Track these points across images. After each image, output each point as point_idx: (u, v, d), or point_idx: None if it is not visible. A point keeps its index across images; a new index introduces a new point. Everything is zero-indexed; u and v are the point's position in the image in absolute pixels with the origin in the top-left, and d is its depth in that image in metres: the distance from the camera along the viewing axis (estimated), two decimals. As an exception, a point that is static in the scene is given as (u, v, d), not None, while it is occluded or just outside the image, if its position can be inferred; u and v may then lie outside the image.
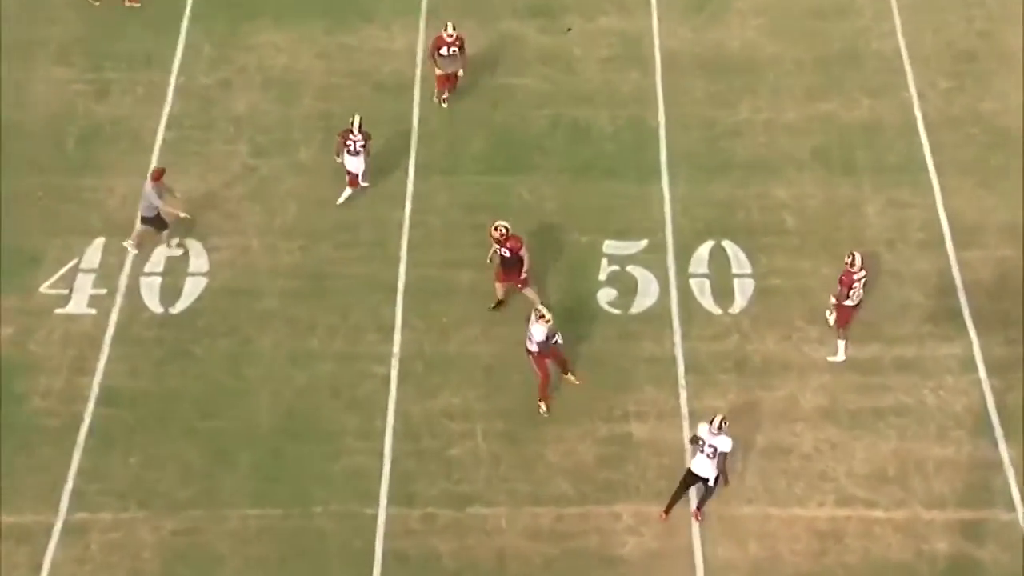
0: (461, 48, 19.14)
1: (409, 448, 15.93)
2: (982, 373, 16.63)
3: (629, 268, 17.87)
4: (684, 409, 16.23)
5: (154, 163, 18.87)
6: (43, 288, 17.47)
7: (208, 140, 19.47)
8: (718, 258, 17.98)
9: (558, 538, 15.11)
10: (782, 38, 20.97)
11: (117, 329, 17.11)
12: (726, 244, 18.13)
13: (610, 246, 18.11)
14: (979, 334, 17.00)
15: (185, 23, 21.09)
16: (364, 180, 18.51)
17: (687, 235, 18.25)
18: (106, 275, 17.69)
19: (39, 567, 14.77)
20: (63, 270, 17.69)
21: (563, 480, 15.62)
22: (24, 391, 16.36)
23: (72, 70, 20.38)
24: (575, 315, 17.18)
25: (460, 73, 19.46)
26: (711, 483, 14.69)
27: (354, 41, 20.93)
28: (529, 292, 16.95)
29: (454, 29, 19.00)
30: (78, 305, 17.35)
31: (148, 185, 17.30)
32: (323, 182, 18.85)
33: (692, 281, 17.72)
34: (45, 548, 14.93)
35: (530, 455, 15.84)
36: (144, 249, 17.93)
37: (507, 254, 16.59)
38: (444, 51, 19.17)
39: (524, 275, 16.72)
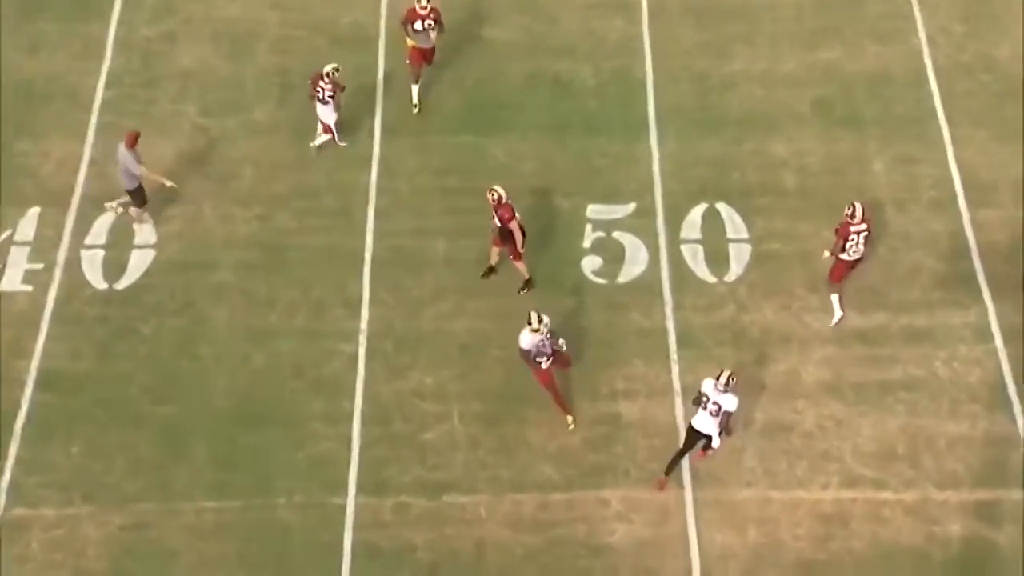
0: (437, 21, 18.56)
1: (379, 433, 15.91)
2: (998, 342, 16.72)
3: (615, 234, 17.85)
4: (676, 385, 16.27)
5: (93, 125, 18.71)
6: (-27, 264, 17.38)
7: (152, 99, 19.30)
8: (712, 222, 17.98)
9: (542, 527, 15.15)
10: (780, -19, 20.94)
11: (56, 307, 16.99)
12: (720, 207, 18.13)
13: (594, 210, 18.08)
14: (995, 300, 17.09)
15: (125, -30, 20.88)
16: (340, 139, 18.45)
17: (678, 197, 18.23)
18: (42, 248, 17.54)
19: (-25, 568, 14.76)
20: (-6, 244, 17.59)
21: (546, 464, 15.64)
22: (-45, 377, 16.27)
23: (-1, 22, 20.18)
24: (557, 286, 17.18)
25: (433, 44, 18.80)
26: (714, 440, 14.80)
27: (311, -12, 20.78)
28: (520, 266, 16.89)
29: (428, 0, 18.44)
30: (11, 282, 17.21)
31: (122, 151, 17.08)
32: (280, 144, 18.73)
33: (684, 247, 17.72)
34: (-19, 547, 14.90)
35: (510, 438, 15.86)
36: (88, 218, 17.78)
37: (498, 223, 16.51)
38: (418, 25, 18.58)
39: (519, 250, 16.61)
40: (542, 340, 15.12)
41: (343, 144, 18.55)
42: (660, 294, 17.23)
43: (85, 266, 17.46)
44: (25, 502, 15.24)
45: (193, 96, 19.35)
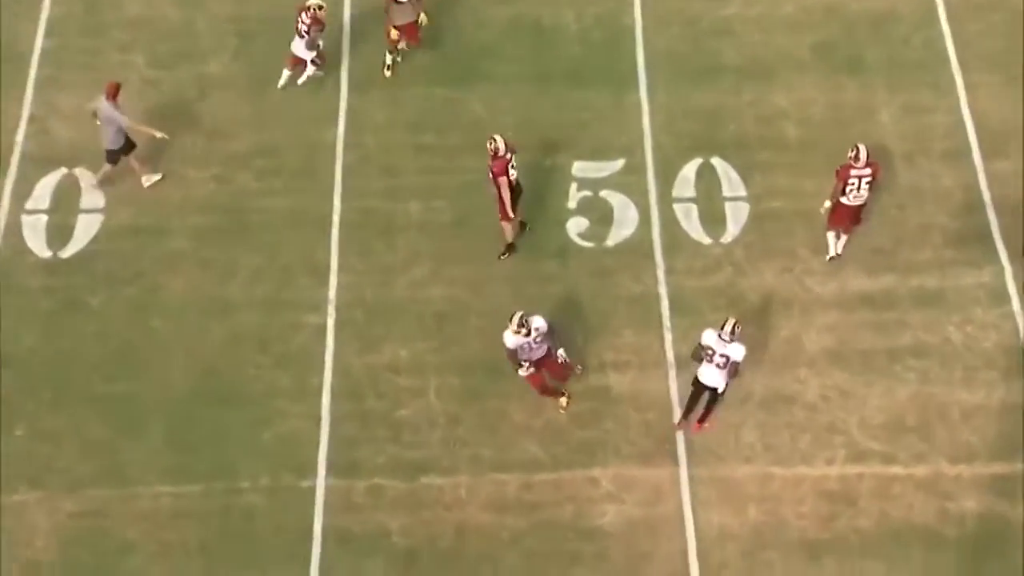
0: None
1: (350, 410, 15.93)
2: (1015, 305, 16.82)
3: (603, 193, 17.84)
4: (670, 355, 16.32)
5: (32, 78, 18.58)
6: (-95, 232, 17.27)
7: (97, 49, 19.16)
8: (706, 178, 17.99)
9: (527, 509, 15.22)
10: (778, -85, 20.85)
11: (-4, 278, 16.94)
12: (715, 162, 18.13)
13: (580, 168, 18.07)
14: (1011, 259, 17.16)
15: (64, -92, 20.63)
16: (320, 68, 18.38)
17: (670, 152, 18.22)
18: (-20, 214, 17.49)
19: (-86, 561, 14.75)
20: (-72, 210, 17.49)
21: (531, 442, 15.69)
22: None
23: (-74, -33, 19.96)
24: (540, 250, 17.18)
25: (423, 21, 18.55)
26: (720, 391, 14.90)
27: (269, -73, 20.58)
28: (505, 227, 16.81)
29: None
30: (-52, 251, 17.16)
31: (104, 105, 16.96)
32: (239, 98, 18.64)
33: (676, 206, 17.73)
34: (-80, 539, 14.89)
35: (492, 414, 15.90)
36: (28, 180, 17.64)
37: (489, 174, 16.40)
38: None
39: (507, 211, 16.54)
40: (528, 344, 14.96)
41: (300, 83, 18.43)
42: (651, 257, 17.24)
43: (27, 232, 17.37)
44: (-33, 490, 15.26)
45: (141, 46, 19.20)
